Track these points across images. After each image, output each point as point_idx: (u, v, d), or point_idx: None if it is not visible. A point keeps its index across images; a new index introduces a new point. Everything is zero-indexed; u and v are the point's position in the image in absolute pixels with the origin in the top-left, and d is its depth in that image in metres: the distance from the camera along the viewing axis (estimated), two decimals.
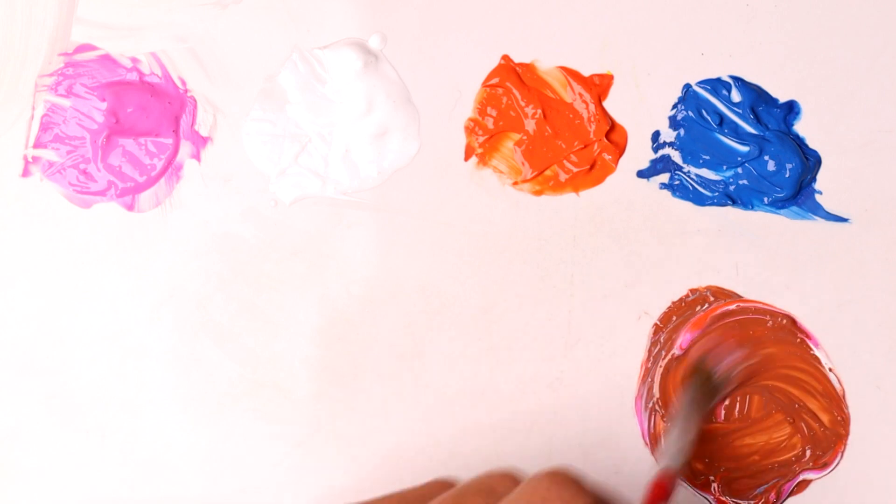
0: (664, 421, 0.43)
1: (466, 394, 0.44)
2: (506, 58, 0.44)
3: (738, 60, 0.43)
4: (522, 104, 0.43)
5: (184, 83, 0.44)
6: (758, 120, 0.43)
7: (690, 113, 0.43)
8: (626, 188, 0.44)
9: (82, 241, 0.44)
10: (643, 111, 0.43)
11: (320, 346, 0.44)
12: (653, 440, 0.43)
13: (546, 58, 0.44)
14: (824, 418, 0.42)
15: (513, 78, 0.43)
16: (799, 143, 0.43)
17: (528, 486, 0.25)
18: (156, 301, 0.45)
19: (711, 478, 0.43)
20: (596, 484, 0.26)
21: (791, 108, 0.43)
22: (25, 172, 0.44)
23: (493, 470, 0.29)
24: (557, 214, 0.44)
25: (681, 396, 0.42)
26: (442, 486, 0.30)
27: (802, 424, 0.42)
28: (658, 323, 0.43)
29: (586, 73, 0.44)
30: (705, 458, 0.43)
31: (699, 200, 0.43)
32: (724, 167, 0.43)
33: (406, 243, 0.44)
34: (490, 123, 0.44)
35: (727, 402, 0.43)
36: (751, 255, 0.43)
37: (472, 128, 0.44)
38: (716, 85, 0.43)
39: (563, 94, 0.44)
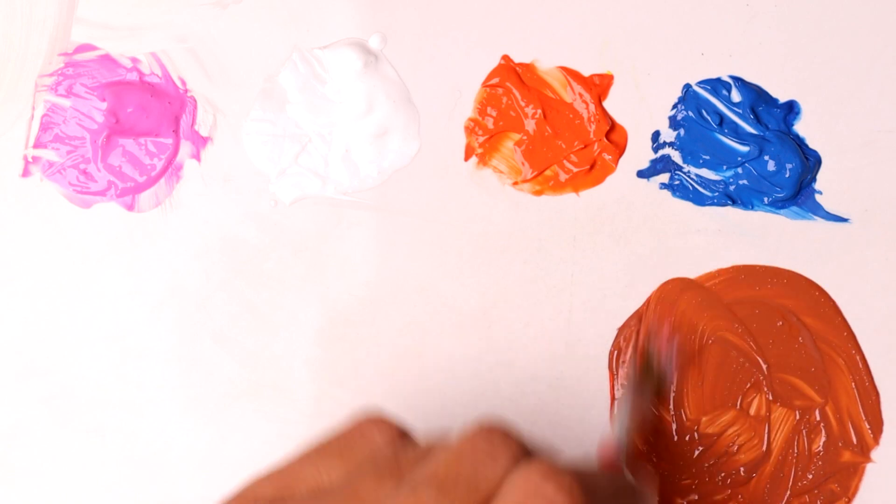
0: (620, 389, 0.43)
1: (466, 394, 0.44)
2: (506, 58, 0.44)
3: (738, 60, 0.43)
4: (522, 104, 0.43)
5: (184, 83, 0.44)
6: (758, 120, 0.43)
7: (690, 113, 0.43)
8: (626, 188, 0.44)
9: (82, 241, 0.44)
10: (643, 111, 0.43)
11: (321, 347, 0.44)
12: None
13: (546, 58, 0.44)
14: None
15: (513, 78, 0.43)
16: (799, 143, 0.43)
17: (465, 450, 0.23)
18: (156, 301, 0.45)
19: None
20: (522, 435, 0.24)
21: (791, 108, 0.43)
22: (25, 172, 0.44)
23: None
24: (557, 214, 0.44)
25: (632, 375, 0.43)
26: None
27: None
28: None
29: (586, 73, 0.43)
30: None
31: (699, 200, 0.43)
32: (724, 167, 0.43)
33: (406, 243, 0.44)
34: (490, 123, 0.44)
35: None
36: (751, 255, 0.43)
37: (472, 128, 0.44)
38: (716, 85, 0.43)
39: (563, 94, 0.44)
